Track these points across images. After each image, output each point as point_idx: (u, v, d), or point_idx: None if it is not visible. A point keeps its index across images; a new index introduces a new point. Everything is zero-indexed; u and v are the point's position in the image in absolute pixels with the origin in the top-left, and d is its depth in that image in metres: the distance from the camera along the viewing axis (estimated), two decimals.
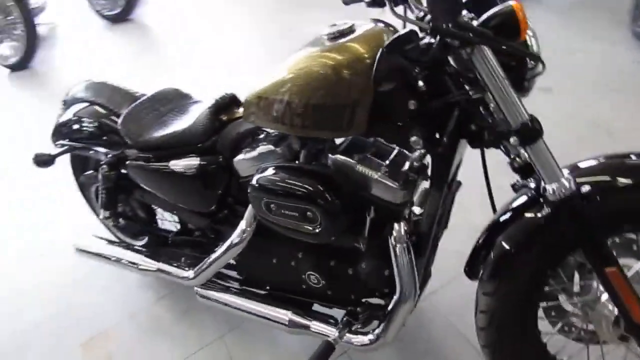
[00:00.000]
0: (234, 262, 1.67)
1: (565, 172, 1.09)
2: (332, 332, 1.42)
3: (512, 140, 1.04)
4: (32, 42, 4.25)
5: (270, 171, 1.31)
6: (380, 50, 1.09)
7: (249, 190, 1.33)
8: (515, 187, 1.23)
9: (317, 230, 1.27)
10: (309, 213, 1.25)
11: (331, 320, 1.48)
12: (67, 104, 1.90)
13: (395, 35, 1.11)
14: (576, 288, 1.23)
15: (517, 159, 1.10)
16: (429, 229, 1.28)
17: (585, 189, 1.08)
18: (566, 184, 1.05)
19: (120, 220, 1.93)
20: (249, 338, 1.86)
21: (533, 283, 1.20)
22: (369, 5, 1.19)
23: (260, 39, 4.64)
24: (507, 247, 1.16)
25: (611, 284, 1.09)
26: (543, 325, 1.30)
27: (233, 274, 1.73)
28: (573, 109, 2.85)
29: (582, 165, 1.14)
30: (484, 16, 0.96)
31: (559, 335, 1.31)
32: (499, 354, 1.30)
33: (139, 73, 4.31)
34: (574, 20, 4.01)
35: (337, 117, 1.16)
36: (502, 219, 1.19)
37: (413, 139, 1.14)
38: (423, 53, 1.05)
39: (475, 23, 0.96)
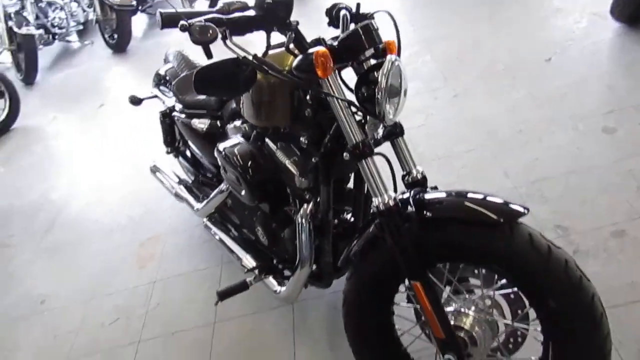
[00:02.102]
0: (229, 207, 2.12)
1: (401, 193, 1.29)
2: (252, 281, 1.80)
3: (344, 155, 1.28)
4: (127, 35, 5.61)
5: (227, 142, 1.70)
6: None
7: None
8: None
9: (242, 193, 1.66)
10: (238, 179, 1.63)
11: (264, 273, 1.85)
12: (164, 62, 2.51)
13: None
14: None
15: None
16: (326, 215, 1.55)
17: (408, 210, 1.27)
18: (386, 199, 1.25)
19: (180, 157, 2.51)
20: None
21: (374, 286, 1.41)
22: None
23: None
24: (353, 253, 1.40)
25: (416, 296, 1.28)
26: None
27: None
28: None
29: (428, 195, 1.31)
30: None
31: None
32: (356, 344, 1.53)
33: None
34: None
35: (266, 111, 1.49)
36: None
37: (302, 139, 1.44)
38: None
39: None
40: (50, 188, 3.57)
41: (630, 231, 1.84)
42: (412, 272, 1.27)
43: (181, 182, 2.46)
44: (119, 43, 5.63)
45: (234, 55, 1.22)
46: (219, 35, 1.12)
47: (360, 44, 1.27)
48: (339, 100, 1.24)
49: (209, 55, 1.14)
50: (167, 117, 2.30)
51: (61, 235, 3.01)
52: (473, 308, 1.37)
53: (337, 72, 1.32)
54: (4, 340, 2.39)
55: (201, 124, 2.01)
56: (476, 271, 1.38)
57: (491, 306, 1.39)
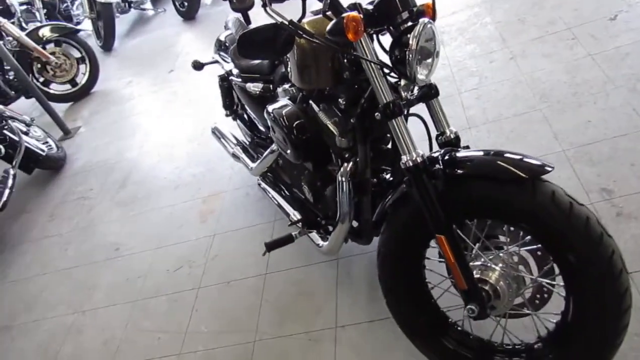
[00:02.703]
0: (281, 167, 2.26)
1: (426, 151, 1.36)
2: (297, 235, 1.93)
3: (376, 115, 1.36)
4: (196, 2, 5.84)
5: (276, 104, 1.82)
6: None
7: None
8: None
9: (288, 152, 1.78)
10: (285, 138, 1.75)
11: (307, 227, 1.98)
12: (224, 29, 2.64)
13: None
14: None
15: None
16: (364, 174, 1.64)
17: (434, 167, 1.34)
18: (414, 157, 1.32)
19: (237, 119, 2.66)
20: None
21: (405, 239, 1.50)
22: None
23: None
24: (386, 208, 1.49)
25: (441, 248, 1.36)
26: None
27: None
28: None
29: (456, 154, 1.36)
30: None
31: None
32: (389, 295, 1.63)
33: None
34: None
35: (310, 74, 1.59)
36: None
37: (340, 100, 1.53)
38: None
39: None
40: (124, 147, 3.87)
41: None
42: (438, 226, 1.34)
43: (238, 143, 2.62)
44: (189, 11, 5.84)
45: (274, 21, 1.31)
46: (255, 3, 1.21)
47: (394, 7, 1.32)
48: (370, 63, 1.31)
49: (247, 21, 1.24)
50: (225, 81, 2.45)
51: (133, 190, 3.29)
52: (500, 264, 1.43)
53: (370, 35, 1.39)
54: (84, 280, 2.70)
55: (255, 87, 2.14)
56: (504, 228, 1.43)
57: (518, 262, 1.44)
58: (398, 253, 1.53)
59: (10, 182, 3.23)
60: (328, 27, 1.32)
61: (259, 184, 2.37)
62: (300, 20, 1.35)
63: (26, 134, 3.68)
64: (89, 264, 2.81)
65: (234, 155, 2.57)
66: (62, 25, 5.11)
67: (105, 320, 2.40)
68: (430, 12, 1.42)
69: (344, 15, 1.25)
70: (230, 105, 2.60)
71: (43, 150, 3.67)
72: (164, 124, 3.96)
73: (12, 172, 3.30)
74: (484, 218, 1.39)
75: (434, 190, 1.32)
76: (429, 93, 1.50)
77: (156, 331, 2.23)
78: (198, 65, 2.59)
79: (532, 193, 1.23)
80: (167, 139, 3.72)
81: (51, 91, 4.93)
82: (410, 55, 1.29)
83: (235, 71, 2.35)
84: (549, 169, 1.23)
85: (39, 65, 4.83)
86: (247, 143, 2.63)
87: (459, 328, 1.60)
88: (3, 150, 3.29)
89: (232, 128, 2.78)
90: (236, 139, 2.67)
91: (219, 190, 2.92)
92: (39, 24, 5.13)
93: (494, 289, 1.39)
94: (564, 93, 2.47)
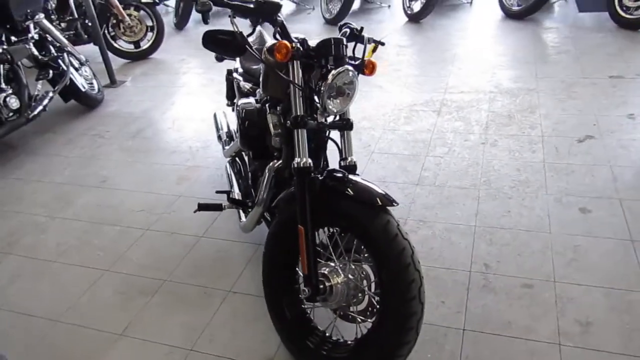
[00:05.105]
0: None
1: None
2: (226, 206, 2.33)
3: (287, 123, 1.77)
4: None
5: (244, 100, 2.25)
6: None
7: None
8: None
9: (237, 138, 2.21)
10: (238, 126, 2.18)
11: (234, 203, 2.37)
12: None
13: None
14: None
15: None
16: (285, 173, 2.03)
17: (318, 176, 1.72)
18: (304, 161, 1.68)
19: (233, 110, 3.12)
20: None
21: (286, 230, 1.84)
22: None
23: None
24: (280, 198, 1.87)
25: (299, 237, 1.72)
26: None
27: None
28: None
29: (340, 174, 1.74)
30: None
31: None
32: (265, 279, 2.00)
33: None
34: None
35: (267, 84, 2.01)
36: None
37: (278, 108, 1.96)
38: None
39: None
40: (152, 107, 4.42)
41: (537, 289, 2.10)
42: (302, 218, 1.69)
43: (228, 130, 3.07)
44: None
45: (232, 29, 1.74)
46: (212, 8, 1.65)
47: (328, 51, 1.72)
48: (292, 83, 1.72)
49: (205, 21, 1.69)
50: (230, 75, 2.92)
51: (139, 143, 3.80)
52: (350, 274, 1.77)
53: (308, 65, 1.76)
54: (66, 195, 3.19)
55: (246, 85, 2.59)
56: (362, 247, 1.77)
57: (364, 277, 1.78)
58: (278, 240, 1.90)
59: (46, 101, 3.80)
60: (267, 46, 1.75)
61: (226, 165, 2.80)
62: (248, 36, 1.77)
63: (77, 70, 4.28)
64: (77, 185, 3.30)
65: (219, 138, 3.02)
66: None
67: (66, 230, 2.86)
68: (370, 68, 1.84)
69: (280, 41, 1.67)
70: (231, 97, 3.05)
71: (84, 87, 4.25)
72: (190, 102, 4.49)
73: (51, 94, 3.88)
74: (335, 225, 1.76)
75: (309, 190, 1.70)
76: (343, 125, 1.89)
77: (99, 249, 2.66)
78: (219, 58, 3.07)
79: (374, 215, 1.59)
80: (186, 113, 4.23)
81: (116, 45, 5.59)
82: (323, 88, 1.69)
83: (240, 70, 2.81)
84: (395, 204, 1.60)
85: (114, 21, 5.51)
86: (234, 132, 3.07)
87: (307, 315, 1.95)
88: (51, 74, 3.87)
89: (232, 116, 3.23)
90: (228, 126, 3.12)
91: (202, 164, 3.37)
92: None
93: (331, 287, 1.74)
94: (505, 184, 2.81)
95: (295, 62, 1.71)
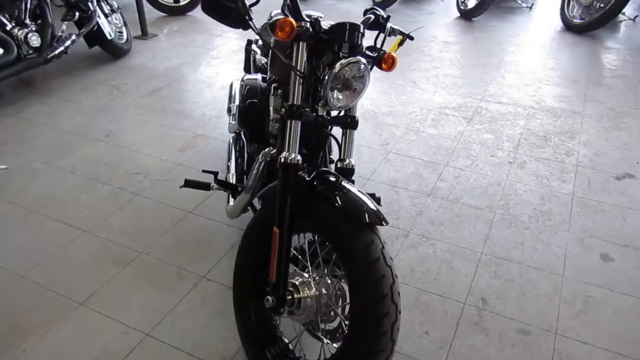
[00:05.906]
0: None
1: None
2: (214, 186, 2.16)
3: (281, 111, 1.58)
4: None
5: (251, 75, 2.09)
6: None
7: None
8: None
9: (236, 113, 2.03)
10: (239, 102, 2.00)
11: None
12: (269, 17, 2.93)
13: None
14: None
15: None
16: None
17: (305, 176, 1.53)
18: (291, 156, 1.49)
19: None
20: None
21: (265, 223, 1.67)
22: None
23: None
24: (265, 191, 1.69)
25: (272, 240, 1.54)
26: None
27: None
28: None
29: (332, 177, 1.54)
30: None
31: None
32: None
33: None
34: None
35: (274, 64, 1.83)
36: None
37: (279, 91, 1.77)
38: None
39: None
40: (177, 66, 4.29)
41: (535, 337, 1.89)
42: (280, 219, 1.52)
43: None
44: None
45: None
46: None
47: (341, 35, 1.51)
48: (291, 66, 1.52)
49: None
50: (249, 45, 2.73)
51: (154, 101, 3.66)
52: (323, 288, 1.59)
53: (318, 47, 1.55)
54: (68, 145, 3.08)
55: (262, 60, 2.41)
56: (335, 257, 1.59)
57: (338, 295, 1.60)
58: (257, 233, 1.72)
59: (67, 43, 3.68)
60: (268, 22, 1.55)
61: (229, 140, 2.63)
62: (251, 6, 1.56)
63: (107, 16, 4.14)
64: (81, 135, 3.19)
65: (228, 110, 2.84)
66: None
67: (58, 181, 2.75)
68: (390, 63, 1.62)
69: (285, 17, 1.46)
70: (248, 69, 2.87)
71: (110, 35, 4.11)
72: (216, 68, 4.32)
73: (74, 37, 3.75)
74: (313, 232, 1.57)
75: (292, 190, 1.51)
76: (347, 122, 1.69)
77: (85, 208, 2.54)
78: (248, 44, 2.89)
79: (358, 232, 1.39)
80: (209, 79, 4.07)
81: None
82: (327, 77, 1.49)
83: (259, 42, 2.62)
84: (385, 223, 1.40)
85: None
86: None
87: (274, 323, 1.78)
88: (77, 16, 3.74)
89: None
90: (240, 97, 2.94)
91: (211, 135, 3.21)
92: None
93: (299, 300, 1.56)
94: (524, 212, 2.56)
95: (300, 43, 1.51)
